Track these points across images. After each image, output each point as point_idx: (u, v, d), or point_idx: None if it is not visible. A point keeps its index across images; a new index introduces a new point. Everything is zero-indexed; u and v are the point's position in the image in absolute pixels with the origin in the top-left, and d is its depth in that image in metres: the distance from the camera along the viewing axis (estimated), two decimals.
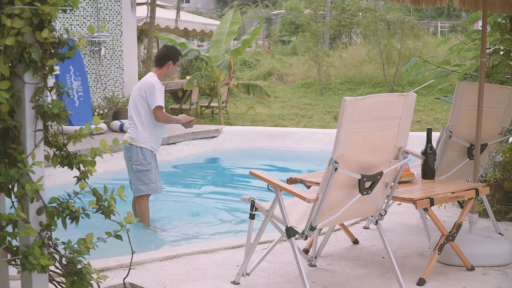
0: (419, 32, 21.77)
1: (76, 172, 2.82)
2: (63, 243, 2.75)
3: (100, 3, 11.68)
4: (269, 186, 3.69)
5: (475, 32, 6.21)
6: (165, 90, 15.82)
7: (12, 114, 2.63)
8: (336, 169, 3.39)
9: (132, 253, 3.07)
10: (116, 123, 11.18)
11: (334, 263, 4.37)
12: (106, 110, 11.45)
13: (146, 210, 6.02)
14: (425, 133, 4.49)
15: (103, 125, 10.39)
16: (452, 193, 4.13)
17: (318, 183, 3.73)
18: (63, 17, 11.12)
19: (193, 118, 6.08)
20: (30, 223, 2.60)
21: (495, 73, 5.83)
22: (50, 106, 2.61)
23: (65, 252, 2.74)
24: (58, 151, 2.80)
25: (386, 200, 3.88)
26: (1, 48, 2.53)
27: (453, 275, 4.11)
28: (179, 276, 4.07)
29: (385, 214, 3.85)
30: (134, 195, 6.06)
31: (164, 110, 5.86)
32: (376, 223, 3.85)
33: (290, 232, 3.58)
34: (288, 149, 10.95)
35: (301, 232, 3.54)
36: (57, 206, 2.70)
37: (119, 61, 12.13)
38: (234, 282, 3.94)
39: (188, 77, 15.19)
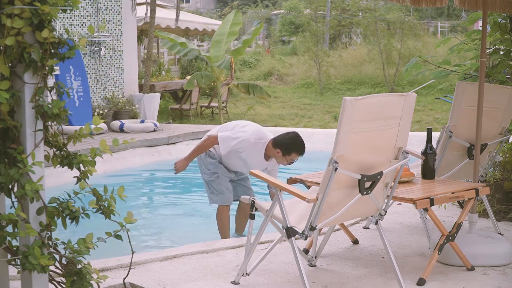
0: (419, 32, 21.74)
1: (76, 172, 2.82)
2: (63, 243, 2.76)
3: (100, 3, 11.68)
4: (269, 186, 3.69)
5: (475, 32, 6.21)
6: (165, 90, 15.92)
7: (12, 114, 2.63)
8: (336, 169, 3.39)
9: (132, 253, 3.07)
10: (116, 123, 11.18)
11: (334, 263, 4.37)
12: (106, 110, 11.46)
13: (225, 221, 5.50)
14: (425, 133, 4.49)
15: (103, 125, 10.39)
16: (452, 193, 4.12)
17: (318, 183, 3.73)
18: (63, 17, 11.12)
19: None
20: (30, 223, 2.60)
21: (495, 73, 5.83)
22: (50, 106, 2.61)
23: (65, 252, 2.74)
24: (58, 151, 2.80)
25: (386, 200, 3.88)
26: (1, 48, 2.53)
27: (453, 275, 4.11)
28: (179, 276, 4.06)
29: (385, 214, 3.85)
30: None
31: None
32: (376, 223, 3.85)
33: (290, 232, 3.58)
34: None
35: (301, 232, 3.54)
36: (57, 206, 2.70)
37: (119, 61, 12.13)
38: (234, 282, 3.94)
39: (188, 77, 15.18)
